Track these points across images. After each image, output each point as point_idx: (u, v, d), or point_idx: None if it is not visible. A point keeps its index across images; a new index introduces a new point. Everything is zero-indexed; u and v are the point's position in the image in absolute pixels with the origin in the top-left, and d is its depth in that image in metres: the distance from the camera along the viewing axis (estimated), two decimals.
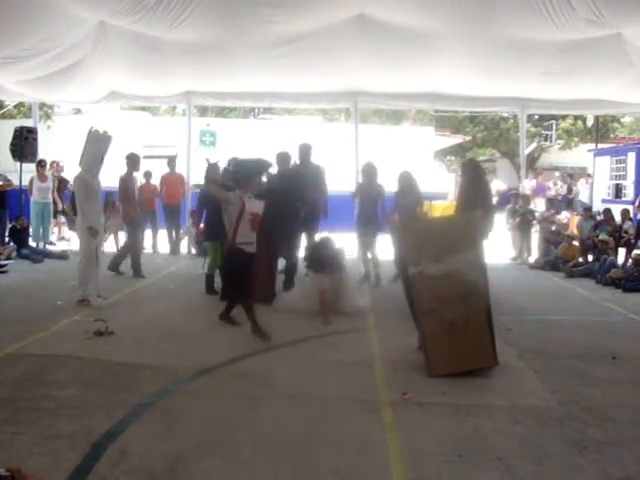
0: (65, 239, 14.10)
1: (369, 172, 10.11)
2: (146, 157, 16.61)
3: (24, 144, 13.29)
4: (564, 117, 27.42)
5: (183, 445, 3.97)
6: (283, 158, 9.51)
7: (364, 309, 7.92)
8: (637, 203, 13.60)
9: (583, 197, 20.06)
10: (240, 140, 17.78)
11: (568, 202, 19.02)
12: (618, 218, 13.30)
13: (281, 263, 9.11)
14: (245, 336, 6.62)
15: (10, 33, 8.81)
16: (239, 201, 6.57)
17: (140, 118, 22.13)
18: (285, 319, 7.48)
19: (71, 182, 10.02)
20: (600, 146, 23.84)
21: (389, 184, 10.31)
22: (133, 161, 10.20)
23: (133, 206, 10.27)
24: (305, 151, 10.27)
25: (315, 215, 10.27)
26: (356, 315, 7.65)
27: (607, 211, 13.18)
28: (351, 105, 14.38)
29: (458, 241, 5.57)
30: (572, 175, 23.60)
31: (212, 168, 9.04)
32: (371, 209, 9.92)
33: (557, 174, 23.42)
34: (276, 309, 7.90)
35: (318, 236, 9.58)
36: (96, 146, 8.02)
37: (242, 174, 6.85)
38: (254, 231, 6.69)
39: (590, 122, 26.78)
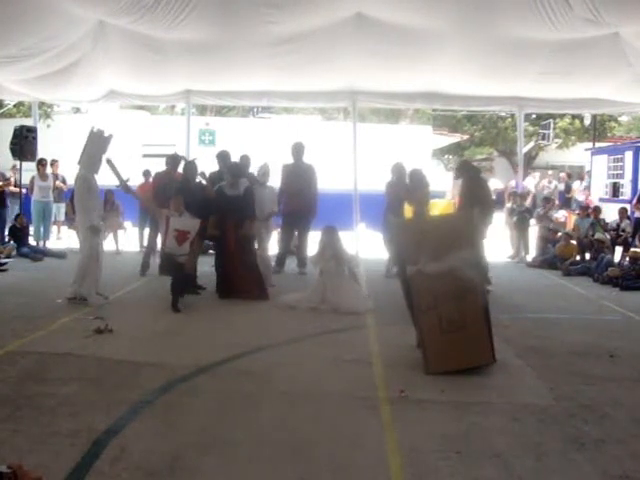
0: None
1: (399, 171, 10.48)
2: (145, 156, 16.65)
3: (24, 143, 13.29)
4: (562, 116, 27.39)
5: (183, 442, 3.99)
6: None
7: (364, 311, 7.89)
8: (634, 202, 13.65)
9: (579, 196, 20.13)
10: (239, 139, 17.77)
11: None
12: (616, 217, 13.39)
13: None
14: (244, 334, 6.67)
15: (10, 32, 8.82)
16: (163, 218, 7.93)
17: (139, 117, 22.10)
18: (285, 317, 7.53)
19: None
20: (597, 145, 23.87)
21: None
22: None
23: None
24: (298, 150, 10.49)
25: (309, 213, 10.44)
26: (355, 313, 7.68)
27: (595, 209, 13.58)
28: (349, 104, 14.39)
29: (456, 239, 5.59)
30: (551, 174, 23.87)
31: (189, 165, 9.36)
32: (400, 206, 10.12)
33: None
34: (278, 306, 7.98)
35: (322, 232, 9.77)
36: (97, 146, 8.11)
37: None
38: (180, 245, 7.78)
39: (588, 121, 26.80)
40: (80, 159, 8.10)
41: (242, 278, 8.43)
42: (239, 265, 8.43)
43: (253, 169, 10.46)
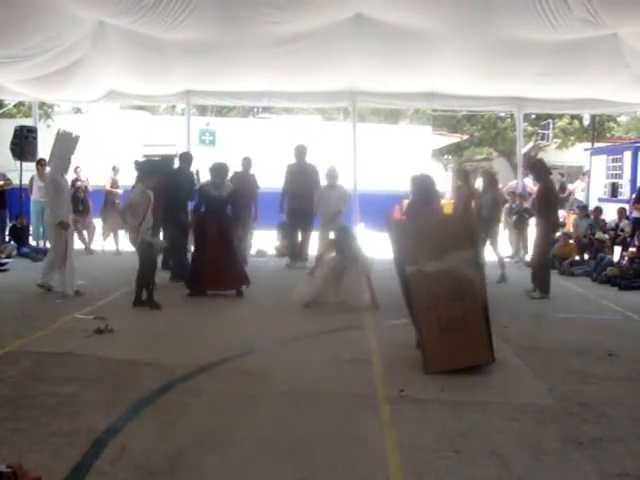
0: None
1: (464, 176, 10.78)
2: (146, 156, 16.69)
3: (24, 143, 13.30)
4: (561, 116, 27.41)
5: (183, 442, 3.99)
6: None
7: (367, 305, 7.95)
8: (632, 201, 13.68)
9: (579, 196, 20.13)
10: (239, 139, 17.81)
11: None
12: (615, 217, 13.41)
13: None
14: (244, 334, 6.68)
15: (11, 33, 8.84)
16: (147, 195, 7.86)
17: (139, 117, 22.13)
18: (285, 316, 7.54)
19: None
20: (596, 145, 23.86)
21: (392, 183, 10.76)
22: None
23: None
24: (301, 152, 10.74)
25: (312, 212, 10.60)
26: (355, 311, 7.70)
27: (595, 210, 13.60)
28: (349, 104, 14.42)
29: (455, 239, 5.61)
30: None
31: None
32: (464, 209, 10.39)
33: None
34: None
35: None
36: (66, 147, 8.43)
37: (146, 173, 8.18)
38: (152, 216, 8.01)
39: (587, 121, 26.82)
40: (50, 160, 8.29)
41: (222, 273, 8.50)
42: (220, 261, 8.49)
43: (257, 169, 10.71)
